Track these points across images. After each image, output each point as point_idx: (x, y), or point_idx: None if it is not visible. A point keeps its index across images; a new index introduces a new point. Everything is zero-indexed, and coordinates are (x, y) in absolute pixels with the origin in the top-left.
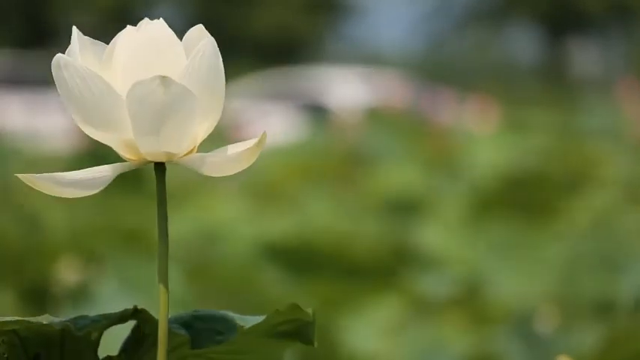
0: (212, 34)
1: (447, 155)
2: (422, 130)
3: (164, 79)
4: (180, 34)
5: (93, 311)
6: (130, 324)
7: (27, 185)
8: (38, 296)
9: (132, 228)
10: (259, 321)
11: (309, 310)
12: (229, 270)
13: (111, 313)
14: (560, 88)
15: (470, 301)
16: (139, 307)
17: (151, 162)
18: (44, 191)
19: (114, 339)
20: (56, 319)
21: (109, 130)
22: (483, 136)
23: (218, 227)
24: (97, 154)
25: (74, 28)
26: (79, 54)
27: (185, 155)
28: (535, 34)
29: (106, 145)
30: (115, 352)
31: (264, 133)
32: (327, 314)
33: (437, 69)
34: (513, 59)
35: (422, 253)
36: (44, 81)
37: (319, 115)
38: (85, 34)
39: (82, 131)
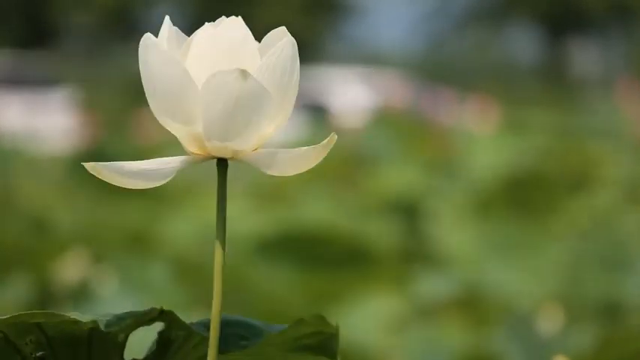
0: None
1: (447, 155)
2: (422, 130)
3: (243, 72)
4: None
5: (95, 312)
6: (154, 326)
7: (29, 185)
8: (40, 296)
9: (135, 228)
10: (283, 329)
11: (334, 323)
12: (229, 270)
13: (136, 312)
14: (560, 88)
15: (470, 301)
16: (164, 309)
17: (215, 157)
18: (109, 181)
19: (136, 341)
20: (81, 316)
21: (180, 119)
22: (483, 136)
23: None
24: (96, 154)
25: (166, 17)
26: (167, 42)
27: (250, 152)
28: (535, 34)
29: (105, 146)
30: (139, 355)
31: (333, 134)
32: (327, 313)
33: (437, 69)
34: (513, 59)
35: (422, 252)
36: (44, 81)
37: (319, 115)
38: (85, 34)
39: (82, 131)
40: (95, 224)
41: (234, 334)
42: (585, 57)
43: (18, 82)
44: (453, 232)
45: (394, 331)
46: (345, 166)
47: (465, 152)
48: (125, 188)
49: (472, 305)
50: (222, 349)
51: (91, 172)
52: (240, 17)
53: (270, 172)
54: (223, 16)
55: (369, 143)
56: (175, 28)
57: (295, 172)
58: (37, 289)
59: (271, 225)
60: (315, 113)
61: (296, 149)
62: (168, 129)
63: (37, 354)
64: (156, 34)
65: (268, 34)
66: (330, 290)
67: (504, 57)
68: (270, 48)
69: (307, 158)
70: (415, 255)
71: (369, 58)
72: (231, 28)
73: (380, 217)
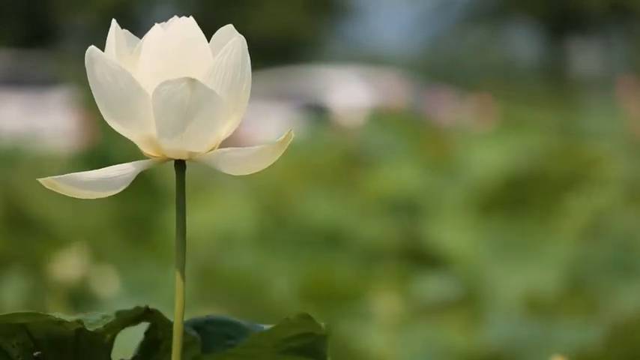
0: (212, 34)
1: (447, 155)
2: (422, 130)
3: (191, 82)
4: None
5: (95, 312)
6: (141, 326)
7: (28, 185)
8: (40, 296)
9: (136, 228)
10: (269, 329)
11: (322, 324)
12: (230, 269)
13: (122, 311)
14: (560, 87)
15: (470, 301)
16: (150, 308)
17: (172, 159)
18: (66, 194)
19: (125, 340)
20: (67, 316)
21: (133, 125)
22: (483, 135)
23: (218, 227)
24: (96, 154)
25: (113, 21)
26: (114, 48)
27: (206, 153)
28: (535, 34)
29: (105, 146)
30: (127, 356)
31: (290, 131)
32: (328, 313)
33: (437, 69)
34: (513, 59)
35: (421, 252)
36: (44, 81)
37: (319, 115)
38: (85, 34)
39: (82, 131)
40: (95, 224)
41: (219, 333)
42: (585, 57)
43: (18, 82)
44: (453, 231)
45: (394, 330)
46: (345, 166)
47: (464, 152)
48: (129, 189)
49: (472, 305)
50: (207, 348)
51: (48, 188)
52: (191, 17)
53: (227, 172)
54: (175, 16)
55: (369, 143)
56: (125, 30)
57: (253, 171)
58: (36, 289)
59: (271, 225)
60: (315, 113)
61: (252, 147)
62: (122, 134)
63: (34, 354)
64: None
65: (216, 32)
66: (330, 290)
67: (504, 57)
68: (221, 47)
69: (264, 156)
70: (414, 254)
71: (368, 58)
72: (182, 29)
73: (379, 216)
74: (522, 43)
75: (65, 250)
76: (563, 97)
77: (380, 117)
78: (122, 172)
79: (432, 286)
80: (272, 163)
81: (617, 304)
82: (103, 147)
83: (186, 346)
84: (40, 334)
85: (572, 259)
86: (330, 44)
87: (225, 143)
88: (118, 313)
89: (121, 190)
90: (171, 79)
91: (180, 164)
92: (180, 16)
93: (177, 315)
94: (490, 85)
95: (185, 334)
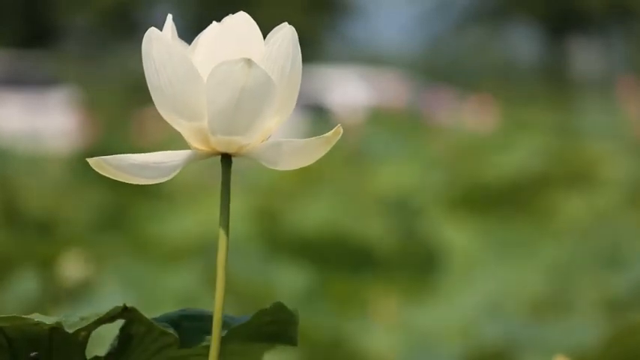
0: None
1: (447, 154)
2: (422, 130)
3: (248, 61)
4: (180, 34)
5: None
6: (116, 323)
7: (28, 185)
8: (41, 296)
9: (136, 228)
10: (246, 321)
11: (293, 310)
12: (230, 269)
13: (100, 311)
14: (560, 87)
15: (470, 300)
16: (128, 306)
17: (220, 153)
18: (112, 177)
19: (103, 339)
20: (46, 318)
21: (185, 114)
22: (483, 135)
23: (216, 228)
24: (96, 154)
25: (169, 15)
26: (172, 38)
27: (254, 145)
28: (535, 34)
29: (105, 146)
30: (102, 353)
31: (339, 126)
32: (328, 313)
33: (437, 69)
34: (513, 59)
35: (421, 252)
36: (44, 81)
37: (319, 115)
38: (85, 34)
39: (82, 131)
40: (96, 224)
41: (196, 328)
42: (585, 57)
43: (18, 82)
44: (453, 231)
45: (394, 330)
46: (345, 165)
47: (464, 151)
48: (126, 187)
49: (473, 305)
50: (185, 343)
51: (96, 169)
52: (245, 13)
53: (273, 166)
54: (230, 14)
55: (369, 142)
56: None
57: (299, 166)
58: (37, 289)
59: (271, 225)
60: (315, 113)
61: (300, 140)
62: (172, 124)
63: (31, 354)
64: None
65: (273, 29)
66: (330, 290)
67: (504, 57)
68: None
69: (312, 150)
70: (414, 253)
71: (368, 58)
72: (238, 23)
73: (379, 215)
74: (522, 43)
75: (66, 250)
76: (563, 97)
77: (380, 117)
78: (173, 158)
79: (431, 285)
80: (318, 157)
81: (615, 303)
82: (103, 147)
83: (155, 338)
84: (15, 333)
85: (571, 257)
86: (330, 44)
87: None
88: (97, 314)
89: (170, 177)
90: (229, 60)
91: (226, 159)
92: (179, 17)
93: (216, 310)
94: (490, 85)
95: (156, 327)
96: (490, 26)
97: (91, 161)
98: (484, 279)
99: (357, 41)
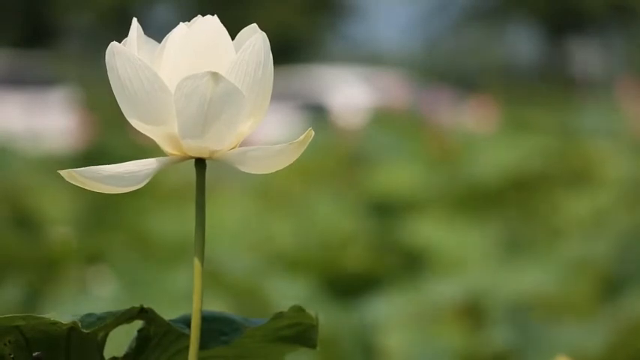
0: None
1: (447, 155)
2: (422, 130)
3: (214, 75)
4: None
5: (94, 312)
6: (135, 324)
7: (28, 185)
8: (39, 297)
9: (135, 228)
10: (263, 323)
11: (313, 314)
12: (229, 269)
13: (117, 311)
14: (560, 88)
15: (472, 301)
16: (145, 307)
17: (192, 157)
18: (85, 187)
19: (118, 339)
20: (63, 317)
21: (155, 123)
22: (483, 136)
23: (219, 227)
24: (96, 154)
25: (134, 19)
26: (136, 45)
27: (227, 151)
28: (535, 34)
29: (105, 146)
30: (120, 353)
31: (310, 130)
32: (327, 313)
33: (437, 69)
34: (513, 59)
35: (421, 252)
36: (44, 81)
37: (319, 115)
38: (85, 34)
39: (82, 131)
40: (95, 224)
41: (213, 329)
42: (585, 57)
43: (18, 82)
44: (453, 232)
45: (394, 330)
46: (345, 166)
47: (465, 152)
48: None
49: (474, 305)
50: (202, 345)
51: (68, 180)
52: (215, 16)
53: (248, 170)
54: (199, 15)
55: (369, 143)
56: (144, 36)
57: (273, 170)
58: (36, 289)
59: (272, 225)
60: (315, 113)
61: (272, 146)
62: (144, 132)
63: (34, 354)
64: (156, 34)
65: (240, 32)
66: (331, 290)
67: (504, 57)
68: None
69: (285, 155)
70: (414, 254)
71: (368, 58)
72: (205, 26)
73: (380, 216)
74: (522, 43)
75: (65, 250)
76: (563, 97)
77: (380, 117)
78: (144, 167)
79: (433, 286)
80: (292, 161)
81: (618, 304)
82: (103, 147)
83: (173, 340)
84: (32, 332)
85: (571, 258)
86: (330, 44)
87: None
88: (113, 314)
89: (142, 185)
90: (194, 74)
91: (200, 163)
92: (179, 17)
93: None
94: (490, 85)
95: (174, 329)
96: (490, 26)
97: (63, 173)
98: (484, 279)
99: (357, 41)
